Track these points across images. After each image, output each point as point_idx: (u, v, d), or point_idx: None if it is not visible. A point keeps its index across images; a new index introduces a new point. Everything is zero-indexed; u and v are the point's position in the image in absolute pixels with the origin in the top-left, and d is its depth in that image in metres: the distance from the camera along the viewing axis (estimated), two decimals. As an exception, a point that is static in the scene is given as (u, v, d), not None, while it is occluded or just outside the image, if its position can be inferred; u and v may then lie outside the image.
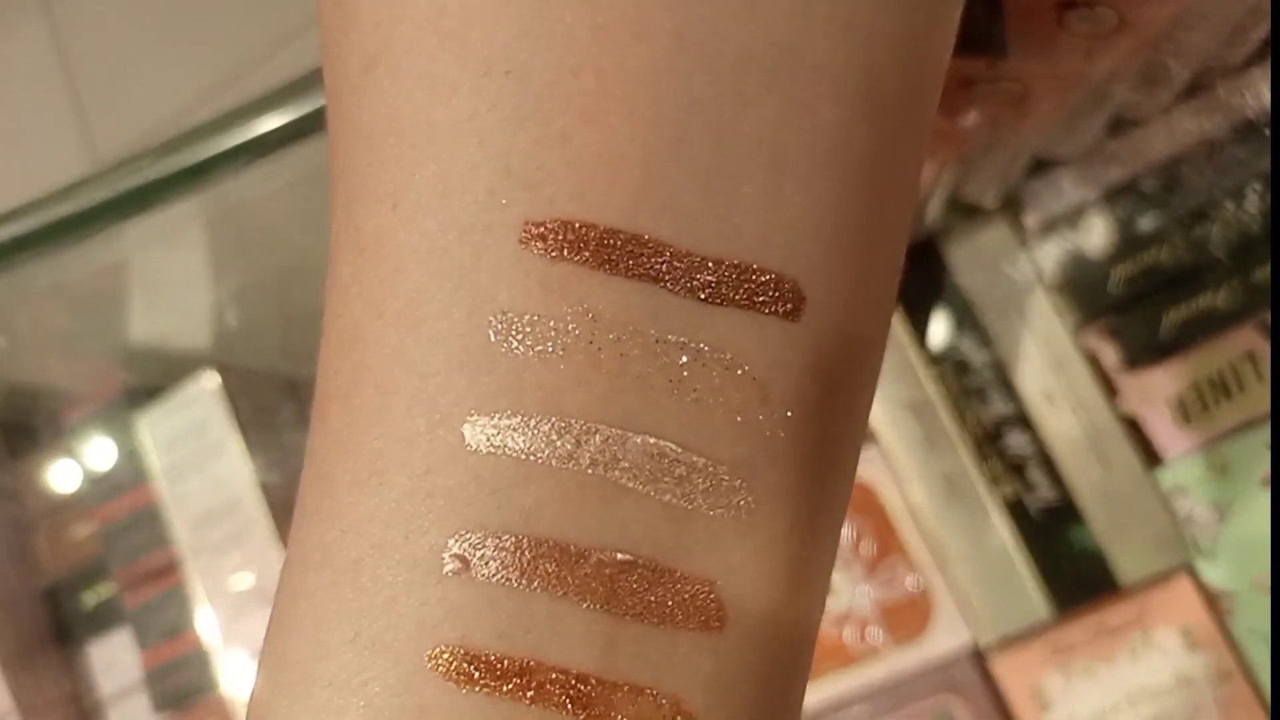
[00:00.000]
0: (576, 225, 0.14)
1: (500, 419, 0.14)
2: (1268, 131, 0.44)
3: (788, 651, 0.15)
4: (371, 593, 0.14)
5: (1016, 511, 0.47)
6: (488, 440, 0.14)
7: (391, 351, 0.15)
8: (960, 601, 0.47)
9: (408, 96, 0.15)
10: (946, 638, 0.48)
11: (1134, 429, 0.46)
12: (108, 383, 0.52)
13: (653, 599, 0.14)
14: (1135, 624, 0.46)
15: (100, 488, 0.51)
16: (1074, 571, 0.46)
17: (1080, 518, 0.46)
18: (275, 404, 0.49)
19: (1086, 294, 0.47)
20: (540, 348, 0.14)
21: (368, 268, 0.15)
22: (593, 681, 0.14)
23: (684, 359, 0.14)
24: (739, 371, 0.15)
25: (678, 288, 0.14)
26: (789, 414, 0.15)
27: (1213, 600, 0.45)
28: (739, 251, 0.15)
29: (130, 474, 0.50)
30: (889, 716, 0.48)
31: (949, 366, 0.48)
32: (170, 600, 0.49)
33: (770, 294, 0.15)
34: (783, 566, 0.15)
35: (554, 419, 0.14)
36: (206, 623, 0.48)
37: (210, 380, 0.48)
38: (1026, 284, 0.47)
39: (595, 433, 0.14)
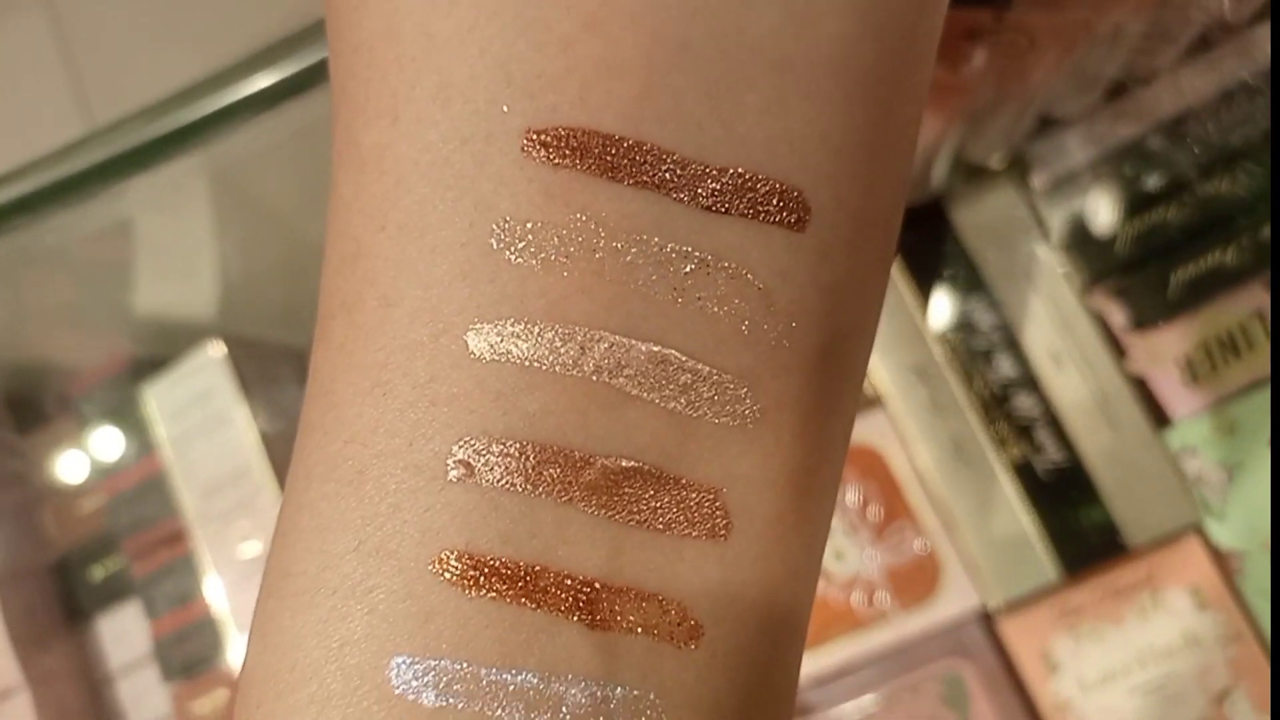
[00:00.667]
0: (579, 132, 0.14)
1: (504, 326, 0.14)
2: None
3: (794, 561, 0.15)
4: (375, 500, 0.14)
5: (1024, 474, 0.47)
6: (491, 348, 0.14)
7: (394, 263, 0.15)
8: (968, 565, 0.47)
9: (408, 9, 0.15)
10: (955, 601, 0.47)
11: (1142, 389, 0.46)
12: (114, 355, 0.52)
13: (658, 506, 0.14)
14: (1144, 585, 0.46)
15: (107, 460, 0.52)
16: (1082, 533, 0.46)
17: (1088, 479, 0.46)
18: (280, 372, 0.49)
19: (1093, 254, 0.46)
20: (543, 255, 0.14)
21: (369, 183, 0.15)
22: (598, 587, 0.14)
23: (688, 267, 0.14)
24: (743, 281, 0.15)
25: (682, 196, 0.14)
26: (794, 324, 0.15)
27: (1222, 560, 0.45)
28: (743, 160, 0.14)
29: (137, 445, 0.50)
30: (898, 680, 0.48)
31: (955, 329, 0.48)
32: (178, 569, 0.49)
33: (775, 204, 0.15)
34: (788, 475, 0.15)
35: (558, 326, 0.14)
36: (215, 591, 0.48)
37: (215, 349, 0.48)
38: (1033, 245, 0.47)
39: (599, 339, 0.14)
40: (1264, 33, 0.44)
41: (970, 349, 0.48)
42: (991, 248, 0.48)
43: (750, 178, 0.14)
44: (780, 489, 0.15)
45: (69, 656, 0.54)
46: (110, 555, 0.54)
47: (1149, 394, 0.46)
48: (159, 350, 0.50)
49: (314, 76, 0.34)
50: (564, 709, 0.14)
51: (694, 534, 0.14)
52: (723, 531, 0.14)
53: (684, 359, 0.14)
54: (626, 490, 0.14)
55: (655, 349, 0.14)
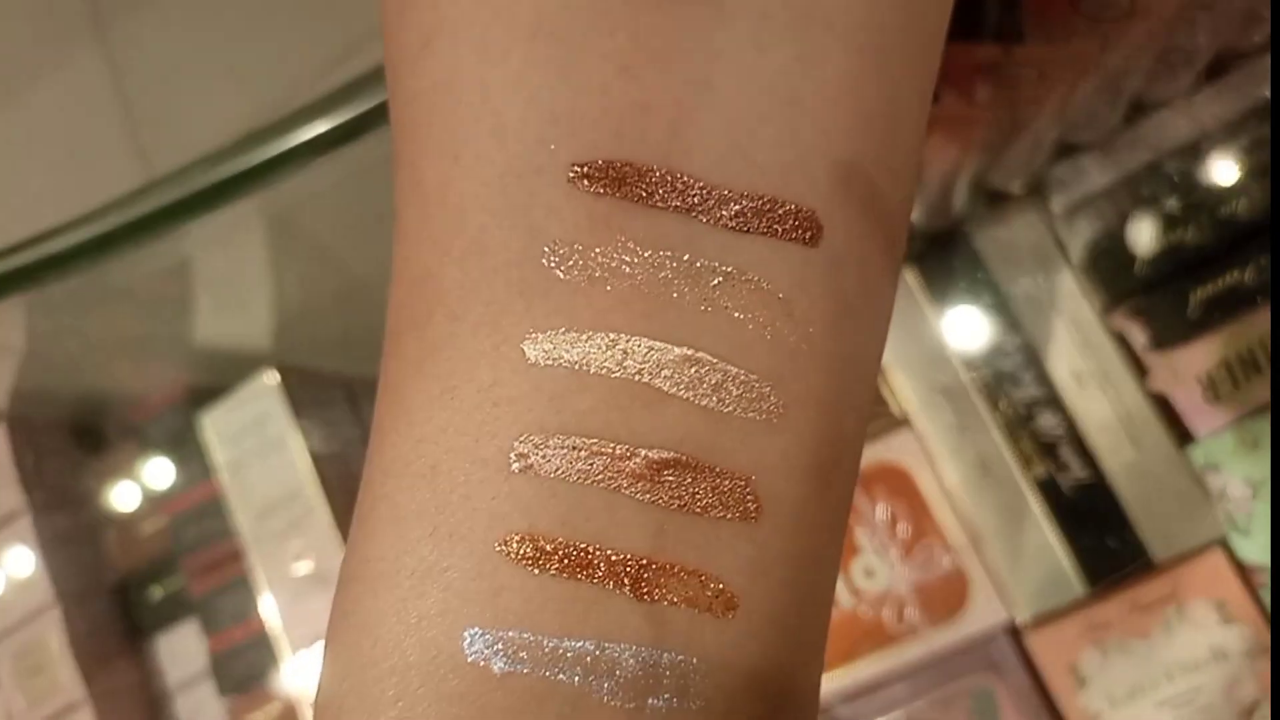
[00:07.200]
0: (617, 164, 0.16)
1: (556, 335, 0.16)
2: (1287, 112, 0.45)
3: (818, 541, 0.17)
4: (447, 491, 0.16)
5: (1049, 491, 0.48)
6: (545, 355, 0.16)
7: (459, 284, 0.17)
8: (995, 581, 0.48)
9: (464, 62, 0.17)
10: (983, 616, 0.49)
11: (1164, 407, 0.47)
12: (173, 385, 0.54)
13: (696, 492, 0.16)
14: (1170, 599, 0.47)
15: (167, 484, 0.54)
16: (1107, 549, 0.47)
17: (1113, 496, 0.47)
18: (331, 398, 0.52)
19: (1113, 276, 0.48)
20: (589, 272, 0.16)
21: (433, 214, 0.17)
22: (645, 563, 0.16)
23: (716, 280, 0.16)
24: (765, 291, 0.16)
25: (707, 218, 0.16)
26: (811, 329, 0.17)
27: (1247, 575, 0.46)
28: (762, 185, 0.16)
29: (195, 469, 0.53)
30: (929, 695, 0.49)
31: (980, 351, 0.49)
32: (235, 588, 0.51)
33: (790, 223, 0.17)
34: (811, 464, 0.17)
35: (603, 333, 0.16)
36: (269, 608, 0.50)
37: (270, 377, 0.50)
38: (1054, 268, 0.49)
39: (639, 345, 0.16)
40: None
41: (995, 370, 0.49)
42: (1014, 271, 0.49)
43: (768, 201, 0.16)
44: (804, 477, 0.17)
45: (130, 673, 0.57)
46: (169, 576, 0.56)
47: (1171, 412, 0.47)
48: (216, 379, 0.53)
49: (362, 125, 0.36)
50: (618, 672, 0.15)
51: (728, 516, 0.16)
52: (754, 514, 0.16)
53: (714, 361, 0.16)
54: (667, 478, 0.16)
55: (689, 352, 0.16)
